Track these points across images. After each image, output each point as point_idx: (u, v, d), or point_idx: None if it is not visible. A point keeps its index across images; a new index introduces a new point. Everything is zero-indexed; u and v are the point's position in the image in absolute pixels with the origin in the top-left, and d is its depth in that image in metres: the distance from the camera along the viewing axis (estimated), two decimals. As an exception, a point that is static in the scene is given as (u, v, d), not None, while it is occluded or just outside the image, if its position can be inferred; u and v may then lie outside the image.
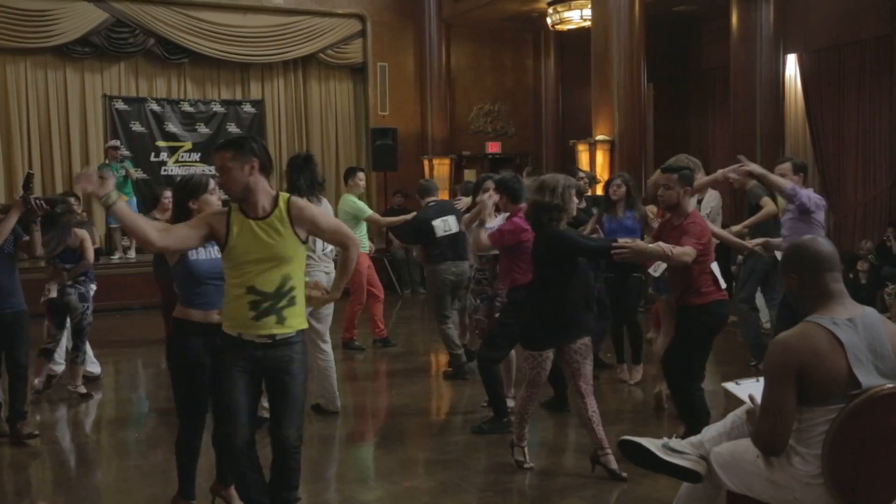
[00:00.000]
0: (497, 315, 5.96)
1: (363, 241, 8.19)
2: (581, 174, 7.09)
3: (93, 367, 7.30)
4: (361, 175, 8.42)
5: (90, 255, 6.65)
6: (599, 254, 4.86)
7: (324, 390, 6.13)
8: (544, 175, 5.05)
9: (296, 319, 3.68)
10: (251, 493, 3.74)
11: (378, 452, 5.56)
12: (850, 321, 2.85)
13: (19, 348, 5.57)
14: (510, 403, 5.77)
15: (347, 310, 8.43)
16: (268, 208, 3.62)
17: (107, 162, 11.70)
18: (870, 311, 2.92)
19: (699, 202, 6.59)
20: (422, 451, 5.53)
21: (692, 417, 4.87)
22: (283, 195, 3.69)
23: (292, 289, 3.64)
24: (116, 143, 12.14)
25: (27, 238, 5.55)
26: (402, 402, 6.72)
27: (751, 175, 5.66)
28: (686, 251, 4.65)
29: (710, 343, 5.08)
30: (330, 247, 5.88)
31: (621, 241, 4.64)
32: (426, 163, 14.21)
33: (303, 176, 5.67)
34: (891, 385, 2.78)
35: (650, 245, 4.66)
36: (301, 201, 3.78)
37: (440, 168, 14.16)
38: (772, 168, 5.95)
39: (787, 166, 6.02)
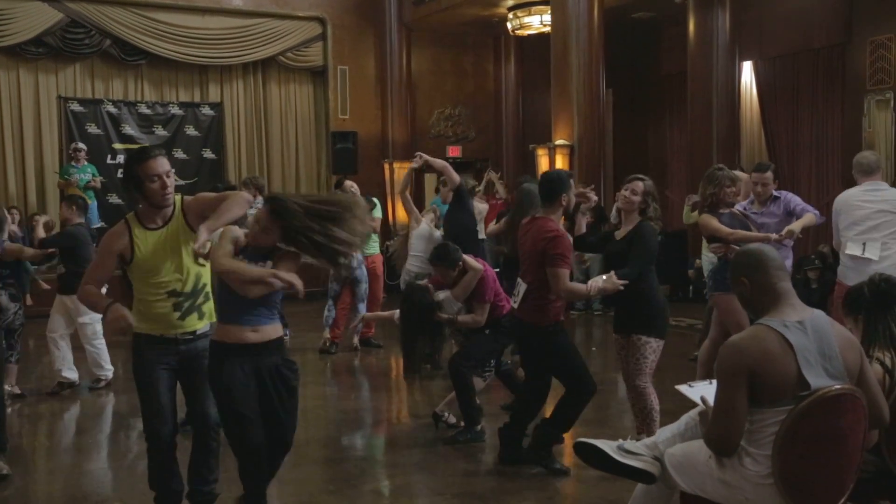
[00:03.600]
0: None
1: (373, 245, 8.63)
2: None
3: (69, 373, 7.13)
4: (349, 183, 8.72)
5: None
6: None
7: None
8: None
9: (210, 310, 3.92)
10: (172, 483, 3.95)
11: (339, 456, 5.52)
12: (799, 324, 2.90)
13: None
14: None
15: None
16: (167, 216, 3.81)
17: (73, 164, 11.60)
18: (819, 314, 2.98)
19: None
20: (385, 454, 5.55)
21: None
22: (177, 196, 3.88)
23: (205, 285, 3.87)
24: (82, 145, 11.91)
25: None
26: (366, 406, 6.68)
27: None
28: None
29: None
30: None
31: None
32: (387, 167, 14.18)
33: None
34: (838, 386, 2.84)
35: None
36: (189, 197, 3.91)
37: (400, 172, 14.08)
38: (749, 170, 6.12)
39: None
